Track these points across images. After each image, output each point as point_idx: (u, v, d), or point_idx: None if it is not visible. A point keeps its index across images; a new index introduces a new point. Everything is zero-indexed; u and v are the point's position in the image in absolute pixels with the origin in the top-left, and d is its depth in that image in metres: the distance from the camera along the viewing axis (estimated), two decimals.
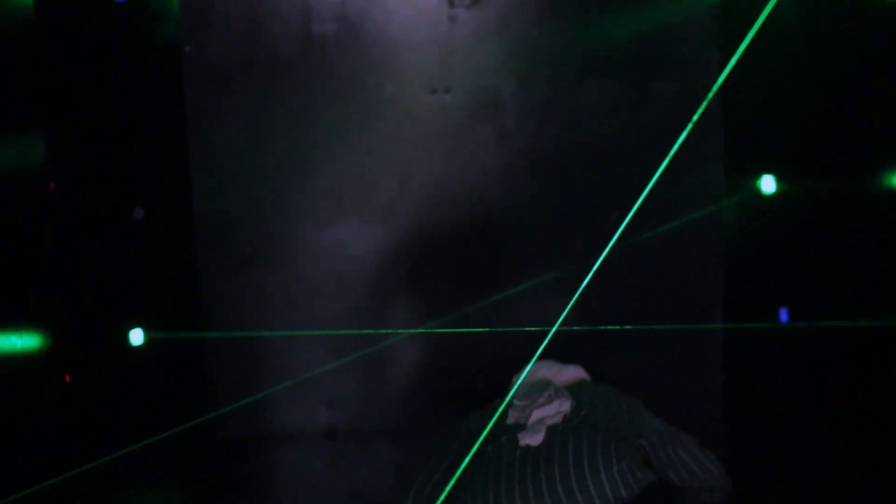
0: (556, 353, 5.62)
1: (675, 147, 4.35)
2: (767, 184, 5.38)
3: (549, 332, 5.16)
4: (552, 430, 4.29)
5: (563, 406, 4.43)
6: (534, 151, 5.67)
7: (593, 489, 4.03)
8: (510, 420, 4.42)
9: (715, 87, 4.50)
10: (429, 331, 5.31)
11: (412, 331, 5.31)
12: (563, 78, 5.61)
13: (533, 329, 5.46)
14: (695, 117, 4.43)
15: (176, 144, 5.55)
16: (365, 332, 5.51)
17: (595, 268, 4.36)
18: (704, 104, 4.65)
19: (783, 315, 5.52)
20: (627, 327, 5.65)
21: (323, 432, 5.78)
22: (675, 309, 5.80)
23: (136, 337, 5.41)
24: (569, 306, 4.63)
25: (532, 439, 4.25)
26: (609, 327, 5.66)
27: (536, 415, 4.39)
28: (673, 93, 5.63)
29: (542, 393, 4.50)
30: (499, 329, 5.45)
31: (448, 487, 4.14)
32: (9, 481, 4.32)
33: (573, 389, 4.63)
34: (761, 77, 5.36)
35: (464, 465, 4.17)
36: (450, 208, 5.64)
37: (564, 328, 5.42)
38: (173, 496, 5.15)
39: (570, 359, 5.69)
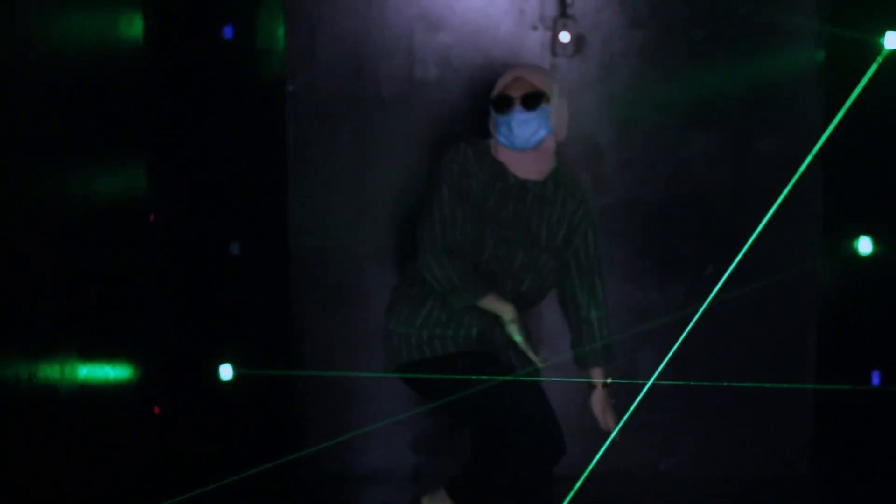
0: (645, 406, 5.62)
1: (774, 207, 4.32)
2: (864, 245, 5.33)
3: (644, 385, 5.15)
4: None
5: None
6: (632, 200, 5.69)
7: None
8: None
9: (817, 147, 4.48)
10: (517, 378, 5.27)
11: (499, 378, 5.26)
12: (664, 129, 5.63)
13: (624, 381, 5.43)
14: (794, 177, 4.40)
15: (275, 180, 5.59)
16: (453, 377, 5.49)
17: (691, 325, 4.33)
18: (806, 162, 4.63)
19: (875, 378, 5.46)
20: (722, 383, 5.61)
21: (408, 474, 5.78)
22: (767, 366, 5.79)
23: (226, 372, 5.42)
24: (664, 362, 4.60)
25: None
26: (701, 383, 5.64)
27: None
28: (774, 149, 5.64)
29: None
30: (588, 380, 5.41)
31: None
32: None
33: None
34: (863, 137, 5.33)
35: None
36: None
37: (661, 382, 5.42)
38: None
39: (659, 411, 5.69)
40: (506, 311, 4.53)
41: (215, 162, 5.47)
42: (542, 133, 4.51)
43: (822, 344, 5.77)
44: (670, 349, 5.31)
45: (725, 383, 5.62)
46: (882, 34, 4.45)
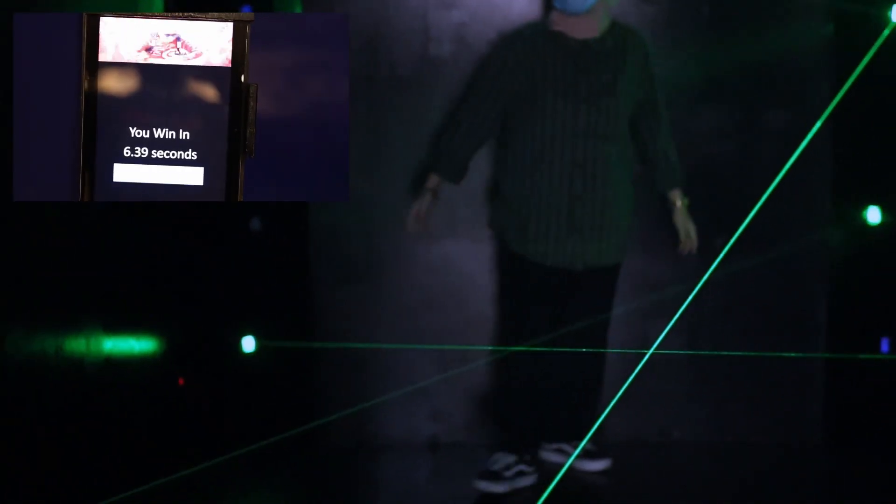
0: (658, 374, 5.71)
1: (781, 174, 4.39)
2: (873, 215, 5.39)
3: (646, 353, 5.24)
4: None
5: None
6: (645, 175, 5.72)
7: None
8: None
9: (823, 117, 4.54)
10: (529, 349, 5.37)
11: (513, 348, 5.37)
12: (675, 103, 5.65)
13: (633, 351, 5.51)
14: (802, 145, 4.47)
15: None
16: (468, 347, 5.59)
17: (694, 293, 4.41)
18: (812, 131, 4.69)
19: (884, 345, 5.52)
20: (728, 352, 5.68)
21: (426, 444, 5.88)
22: (778, 334, 5.85)
23: (248, 344, 5.51)
24: (666, 329, 4.70)
25: None
26: (710, 352, 5.70)
27: None
28: (784, 121, 5.68)
29: None
30: (599, 350, 5.49)
31: None
32: (121, 478, 4.44)
33: None
34: (871, 109, 5.38)
35: None
36: None
37: (665, 351, 5.50)
38: (277, 502, 5.26)
39: (671, 380, 5.77)
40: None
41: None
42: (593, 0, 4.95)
43: (832, 312, 5.82)
44: (683, 318, 5.42)
45: (736, 353, 5.69)
46: (889, 7, 4.54)
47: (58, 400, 3.95)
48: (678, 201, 5.35)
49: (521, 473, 5.28)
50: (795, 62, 5.71)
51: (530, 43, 5.08)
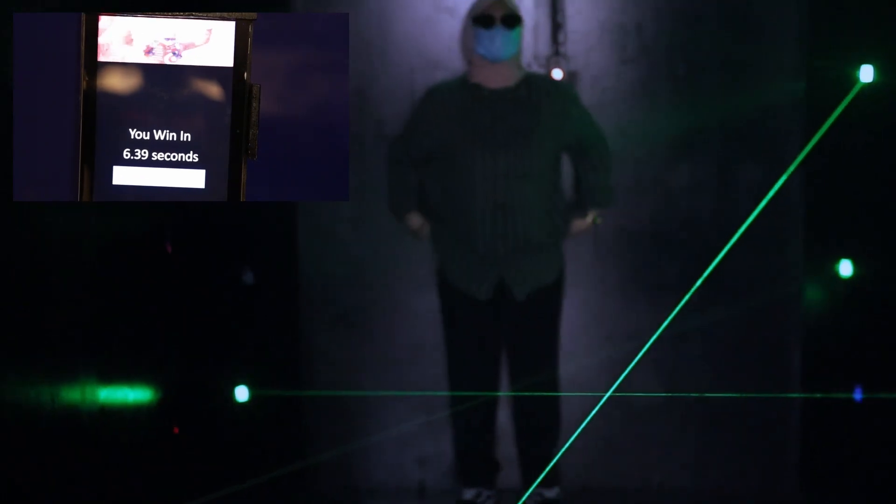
0: (638, 420, 5.83)
1: (748, 221, 4.54)
2: (845, 268, 5.50)
3: (602, 396, 5.36)
4: None
5: None
6: (624, 228, 5.92)
7: None
8: None
9: (790, 169, 4.68)
10: (512, 394, 5.52)
11: (496, 393, 5.53)
12: (652, 159, 5.86)
13: (615, 394, 5.63)
14: (769, 195, 4.62)
15: (285, 211, 5.83)
16: (455, 393, 5.69)
17: (655, 336, 4.54)
18: (781, 181, 4.83)
19: (857, 393, 5.62)
20: (700, 394, 5.80)
21: (414, 489, 6.02)
22: (754, 383, 6.00)
23: (241, 394, 5.61)
24: (627, 370, 4.83)
25: None
26: (688, 394, 5.82)
27: None
28: (759, 176, 5.84)
29: None
30: (583, 394, 5.63)
31: None
32: None
33: None
34: (842, 165, 5.49)
35: None
36: None
37: (643, 393, 5.63)
38: None
39: (652, 425, 5.88)
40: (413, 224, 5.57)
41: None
42: (515, 49, 5.26)
43: (807, 361, 5.94)
44: (663, 366, 5.54)
45: (710, 394, 5.81)
46: (858, 67, 4.70)
47: (53, 449, 4.05)
48: (589, 216, 5.53)
49: (489, 498, 5.66)
50: (769, 119, 5.87)
51: (448, 95, 5.36)
